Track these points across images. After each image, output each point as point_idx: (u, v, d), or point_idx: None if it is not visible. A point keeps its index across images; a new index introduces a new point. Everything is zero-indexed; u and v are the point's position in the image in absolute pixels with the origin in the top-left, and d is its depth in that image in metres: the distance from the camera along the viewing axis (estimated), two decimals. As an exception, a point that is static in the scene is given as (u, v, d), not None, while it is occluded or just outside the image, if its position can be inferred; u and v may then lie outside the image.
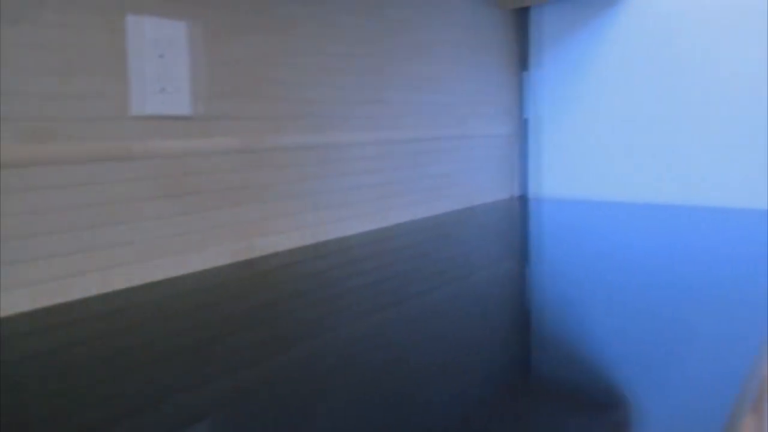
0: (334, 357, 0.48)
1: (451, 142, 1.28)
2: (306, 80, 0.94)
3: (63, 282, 0.67)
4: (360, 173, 1.06)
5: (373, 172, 1.09)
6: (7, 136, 0.62)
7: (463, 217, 1.19)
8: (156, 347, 0.52)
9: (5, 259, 0.62)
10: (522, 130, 1.52)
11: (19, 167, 0.63)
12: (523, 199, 1.45)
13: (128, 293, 0.70)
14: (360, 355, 0.49)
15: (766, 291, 0.63)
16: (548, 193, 1.48)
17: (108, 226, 0.71)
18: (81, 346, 0.52)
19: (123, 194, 0.72)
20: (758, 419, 0.52)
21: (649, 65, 1.32)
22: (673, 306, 0.59)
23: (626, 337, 0.51)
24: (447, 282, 0.71)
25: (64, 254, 0.67)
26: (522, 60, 1.52)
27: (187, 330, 0.56)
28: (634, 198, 1.36)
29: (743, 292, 0.63)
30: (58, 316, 0.61)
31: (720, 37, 1.24)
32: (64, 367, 0.48)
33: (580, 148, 1.43)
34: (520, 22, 1.51)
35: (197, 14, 0.78)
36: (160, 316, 0.61)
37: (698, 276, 0.70)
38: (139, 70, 0.73)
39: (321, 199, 0.98)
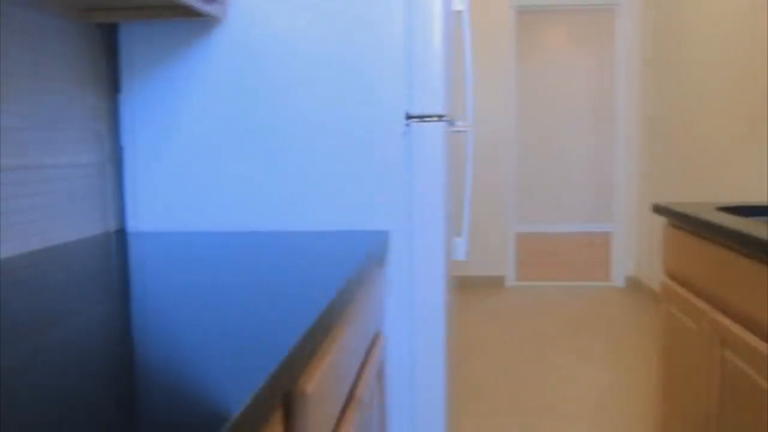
0: None
1: (21, 174, 1.09)
2: None
3: None
4: None
5: None
6: None
7: (43, 259, 1.03)
8: None
9: None
10: (115, 159, 1.39)
11: None
12: (117, 234, 1.33)
13: None
14: None
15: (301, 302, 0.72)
16: (146, 226, 1.39)
17: None
18: None
19: None
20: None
21: (239, 94, 1.34)
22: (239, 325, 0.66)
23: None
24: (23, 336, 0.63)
25: None
26: (113, 82, 1.40)
27: None
28: (228, 227, 1.36)
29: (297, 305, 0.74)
30: None
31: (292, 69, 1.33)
32: None
33: (177, 178, 1.37)
34: (110, 40, 1.39)
35: None
36: None
37: (269, 295, 0.80)
38: None
39: None
